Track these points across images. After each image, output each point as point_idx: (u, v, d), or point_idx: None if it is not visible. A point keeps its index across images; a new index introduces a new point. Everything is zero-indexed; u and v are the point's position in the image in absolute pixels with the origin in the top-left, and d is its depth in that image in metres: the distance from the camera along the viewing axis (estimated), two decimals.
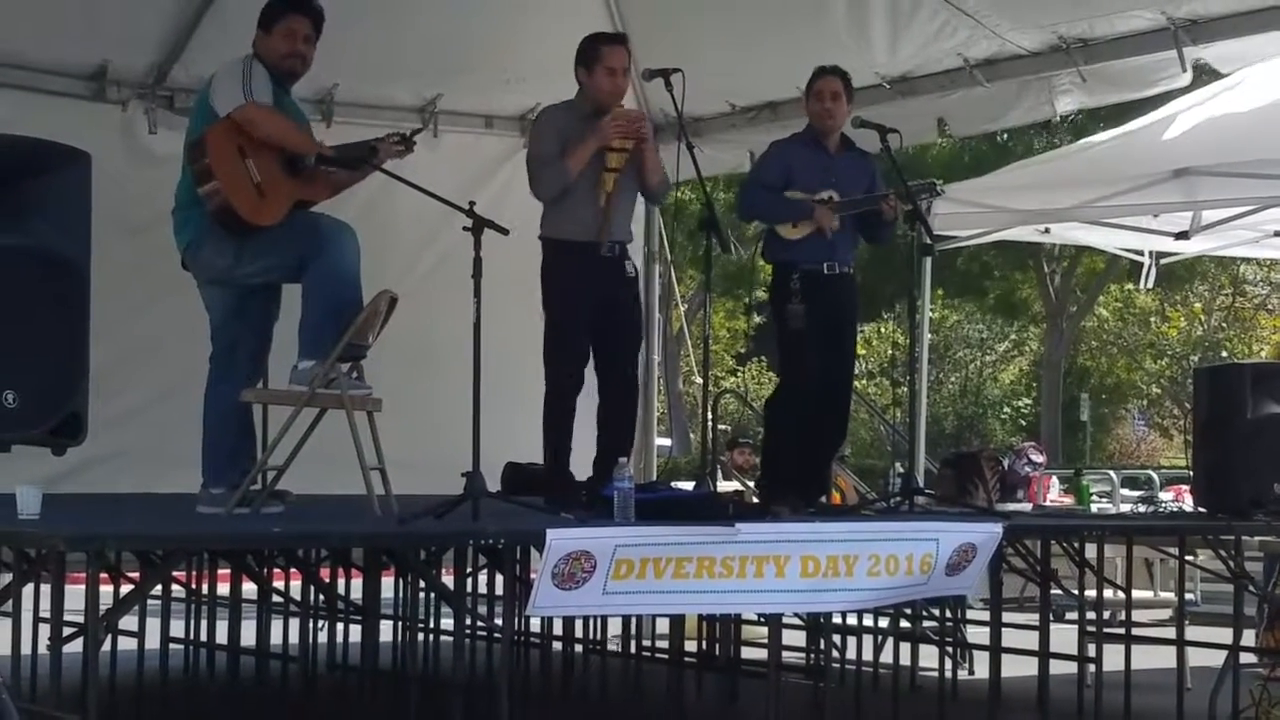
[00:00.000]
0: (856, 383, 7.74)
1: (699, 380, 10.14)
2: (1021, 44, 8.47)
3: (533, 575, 5.64)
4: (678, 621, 7.72)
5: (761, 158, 7.75)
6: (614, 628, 8.55)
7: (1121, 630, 7.47)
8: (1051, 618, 7.00)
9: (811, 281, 7.18)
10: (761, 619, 6.92)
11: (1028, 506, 8.98)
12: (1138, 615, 8.07)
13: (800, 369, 7.36)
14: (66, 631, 4.56)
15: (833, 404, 7.45)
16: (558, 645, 8.44)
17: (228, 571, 7.03)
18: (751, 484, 8.90)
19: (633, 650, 8.37)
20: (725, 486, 9.46)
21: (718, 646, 8.16)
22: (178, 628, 7.78)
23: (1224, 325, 31.47)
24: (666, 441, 12.47)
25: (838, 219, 7.18)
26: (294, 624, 7.46)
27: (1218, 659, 7.14)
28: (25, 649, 6.52)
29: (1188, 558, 7.70)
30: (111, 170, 7.88)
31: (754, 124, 9.69)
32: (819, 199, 7.20)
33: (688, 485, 7.16)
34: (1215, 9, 7.68)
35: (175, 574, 7.19)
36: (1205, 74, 8.24)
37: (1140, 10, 7.88)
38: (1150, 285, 11.27)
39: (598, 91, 6.75)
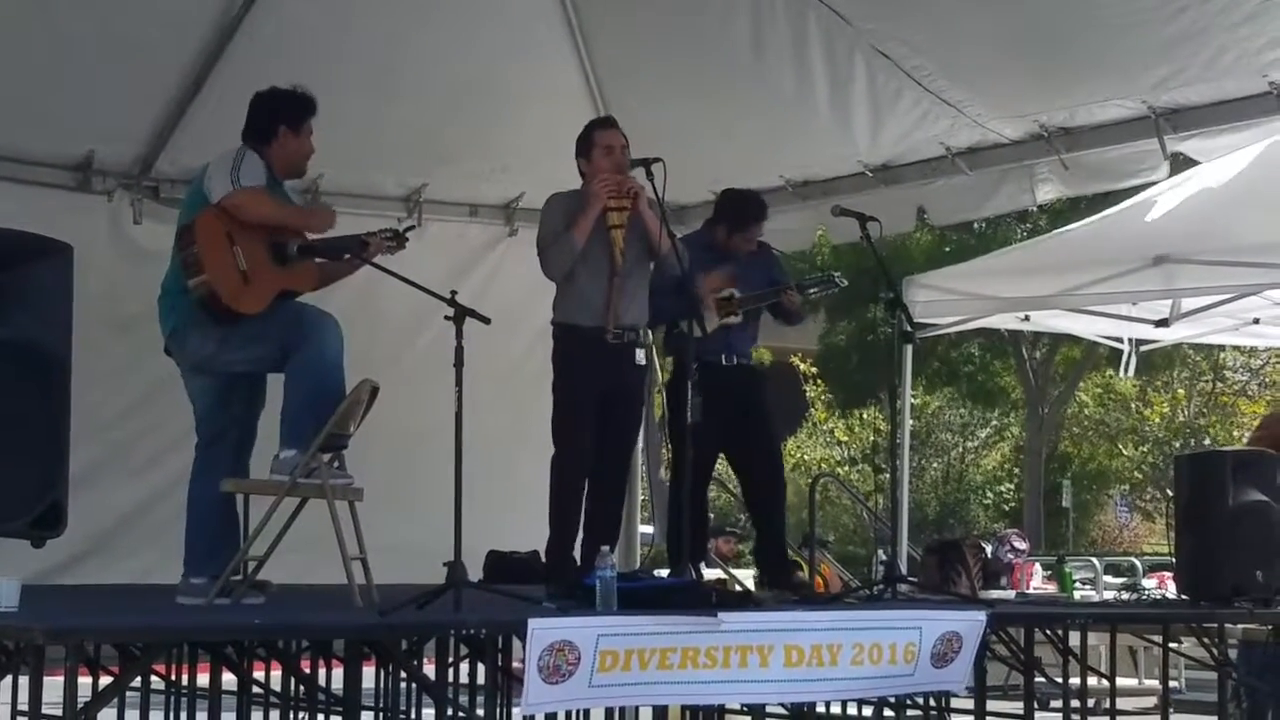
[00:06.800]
0: (839, 469, 7.88)
1: None
2: (1003, 132, 8.52)
3: (515, 664, 5.61)
4: (661, 711, 7.67)
5: None
6: (597, 717, 8.48)
7: (1106, 718, 7.44)
8: (1036, 706, 6.97)
9: (710, 373, 7.24)
10: (745, 709, 6.89)
11: (1011, 594, 8.95)
12: (1122, 703, 8.04)
13: (689, 459, 7.19)
14: None
15: (765, 492, 7.63)
16: None
17: (208, 662, 6.98)
18: (735, 573, 8.91)
19: None
20: (709, 574, 9.43)
21: None
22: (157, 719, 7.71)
23: (1205, 411, 31.54)
24: (649, 529, 12.41)
25: (741, 314, 7.39)
26: (274, 715, 7.40)
27: None
28: None
29: (1171, 645, 7.68)
30: (98, 262, 7.95)
31: None
32: (720, 298, 7.36)
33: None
34: (1195, 98, 7.73)
35: (155, 665, 7.13)
36: (1184, 165, 8.32)
37: (1121, 100, 7.94)
38: (1130, 374, 11.32)
39: (598, 172, 6.80)
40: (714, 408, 7.16)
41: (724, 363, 7.40)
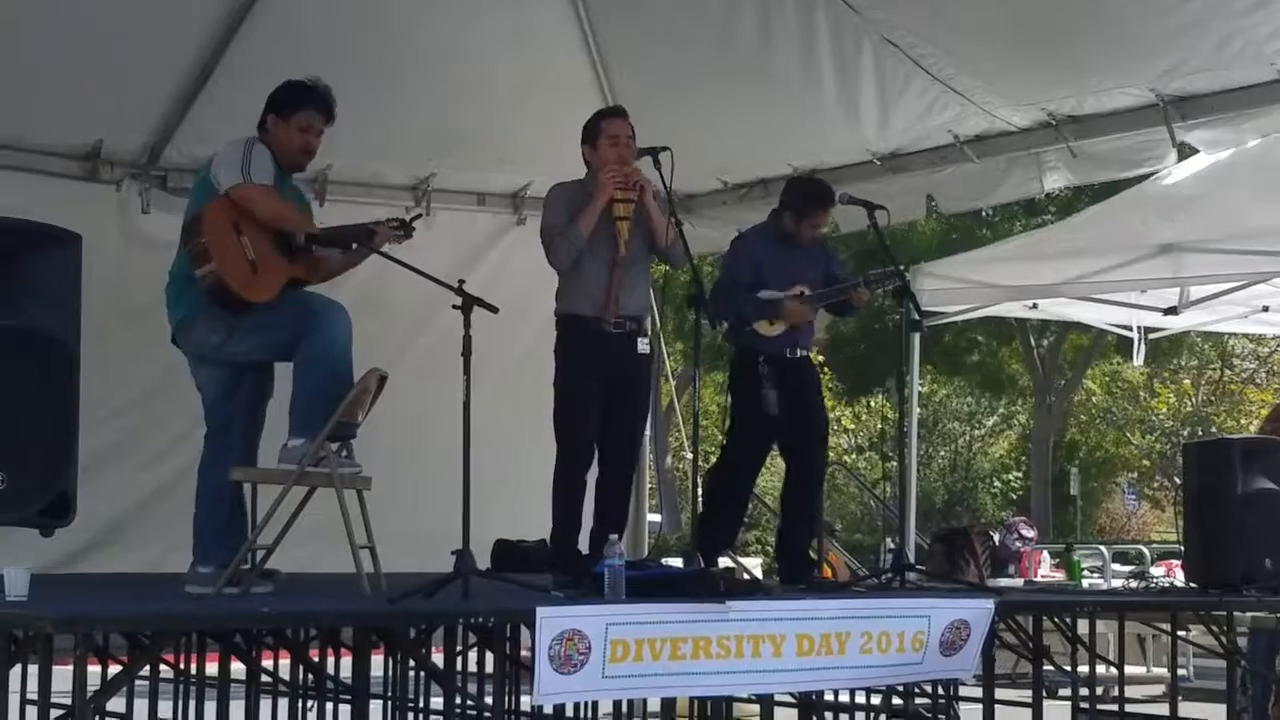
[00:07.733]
0: (846, 458, 7.89)
1: (689, 455, 10.13)
2: (1012, 120, 8.51)
3: (523, 653, 5.61)
4: (669, 700, 7.67)
5: (730, 256, 7.83)
6: (605, 705, 8.48)
7: (1114, 707, 7.44)
8: (1044, 694, 6.96)
9: (776, 366, 7.37)
10: (754, 697, 6.88)
11: (1019, 582, 8.95)
12: (1131, 691, 8.03)
13: (754, 450, 7.65)
14: (54, 714, 4.52)
15: (809, 484, 7.67)
16: None
17: (217, 652, 6.99)
18: (743, 560, 8.91)
19: None
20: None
21: None
22: (166, 709, 7.72)
23: (1212, 400, 31.51)
24: (656, 517, 12.41)
25: (811, 311, 7.43)
26: (283, 704, 7.41)
27: None
28: None
29: (1180, 633, 7.67)
30: (107, 252, 7.96)
31: (745, 201, 9.74)
32: (791, 295, 7.37)
33: (678, 561, 7.15)
34: (1203, 86, 7.74)
35: (164, 654, 7.14)
36: (1190, 154, 8.30)
37: (1129, 88, 7.94)
38: (1141, 361, 11.31)
39: (604, 162, 6.79)
40: (780, 398, 7.34)
41: (789, 355, 7.44)
